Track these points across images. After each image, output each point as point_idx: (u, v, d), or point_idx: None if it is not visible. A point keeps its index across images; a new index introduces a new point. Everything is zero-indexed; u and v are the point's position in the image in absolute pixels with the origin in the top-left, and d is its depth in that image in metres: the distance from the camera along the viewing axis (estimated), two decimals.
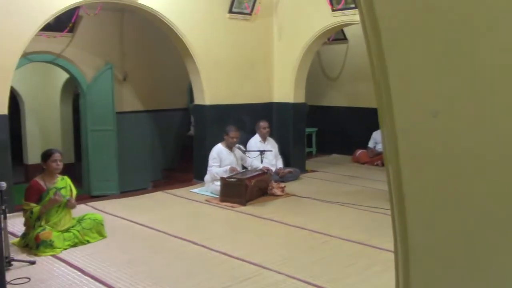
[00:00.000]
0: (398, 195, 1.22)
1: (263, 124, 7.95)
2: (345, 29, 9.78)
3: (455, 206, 1.15)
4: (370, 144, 9.71)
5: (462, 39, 1.08)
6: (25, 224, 4.93)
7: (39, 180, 4.97)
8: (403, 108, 1.16)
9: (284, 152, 8.29)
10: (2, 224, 3.90)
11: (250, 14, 8.05)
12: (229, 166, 7.01)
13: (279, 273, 4.21)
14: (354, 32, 9.73)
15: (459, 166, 1.12)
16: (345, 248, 4.86)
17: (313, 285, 3.99)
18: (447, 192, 1.15)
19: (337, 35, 10.00)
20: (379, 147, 9.50)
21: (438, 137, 1.13)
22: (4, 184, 3.97)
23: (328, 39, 9.39)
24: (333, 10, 7.63)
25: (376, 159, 9.38)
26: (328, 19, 7.75)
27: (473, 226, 1.14)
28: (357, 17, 7.35)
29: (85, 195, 7.87)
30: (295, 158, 8.53)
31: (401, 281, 1.29)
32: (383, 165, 8.91)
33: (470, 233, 1.14)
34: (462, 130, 1.11)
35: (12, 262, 4.32)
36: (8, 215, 4.30)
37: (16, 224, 5.32)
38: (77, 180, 6.61)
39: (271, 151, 7.87)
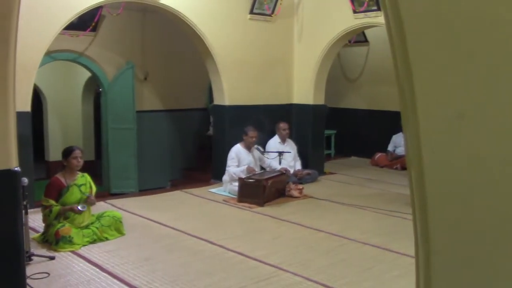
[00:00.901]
0: (420, 199, 1.21)
1: (283, 125, 7.93)
2: (366, 31, 9.71)
3: (479, 210, 1.12)
4: (390, 147, 9.63)
5: (489, 41, 1.06)
6: (44, 221, 5.01)
7: (59, 177, 5.04)
8: (427, 110, 1.14)
9: (302, 154, 8.26)
10: (23, 220, 3.95)
11: (270, 15, 8.05)
12: (246, 166, 7.02)
13: (296, 275, 4.20)
14: (375, 34, 9.66)
15: (484, 170, 1.10)
16: (363, 252, 4.82)
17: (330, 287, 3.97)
18: (471, 197, 1.13)
19: (358, 37, 9.94)
20: (399, 151, 9.41)
21: (463, 140, 1.11)
22: (26, 180, 4.02)
23: (349, 41, 9.34)
24: (355, 12, 7.57)
25: (396, 163, 9.29)
26: (350, 21, 7.69)
27: (498, 232, 1.11)
28: (379, 19, 7.29)
29: (105, 193, 7.96)
30: (314, 160, 8.50)
31: (421, 286, 1.28)
32: (402, 168, 8.83)
33: (494, 239, 1.12)
34: (488, 133, 1.08)
35: (32, 257, 4.39)
36: (29, 210, 4.38)
37: (36, 219, 5.40)
38: (97, 177, 6.68)
39: (290, 152, 7.84)
